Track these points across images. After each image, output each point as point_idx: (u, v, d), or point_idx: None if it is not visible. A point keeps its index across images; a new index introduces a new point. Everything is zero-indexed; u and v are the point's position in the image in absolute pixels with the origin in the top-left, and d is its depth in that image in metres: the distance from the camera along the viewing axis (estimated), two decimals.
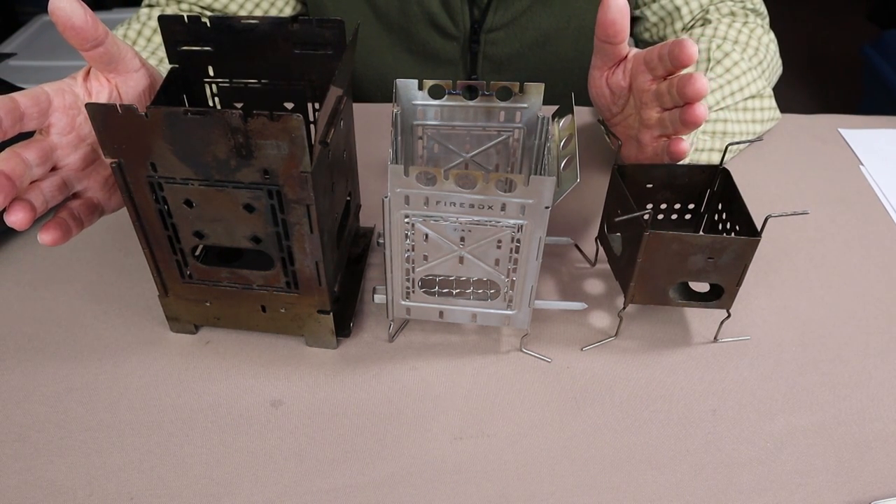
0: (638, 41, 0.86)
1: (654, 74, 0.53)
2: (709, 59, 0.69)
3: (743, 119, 0.70)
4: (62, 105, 0.43)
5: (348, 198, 0.56)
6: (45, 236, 0.43)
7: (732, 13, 0.76)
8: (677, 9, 0.77)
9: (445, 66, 0.82)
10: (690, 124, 0.50)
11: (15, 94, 0.40)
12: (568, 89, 0.89)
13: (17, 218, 0.41)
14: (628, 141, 0.58)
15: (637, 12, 0.81)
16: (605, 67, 0.57)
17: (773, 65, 0.75)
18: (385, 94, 0.85)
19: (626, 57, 0.55)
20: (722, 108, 0.68)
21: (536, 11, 0.78)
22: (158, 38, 0.74)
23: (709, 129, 0.67)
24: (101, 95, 0.46)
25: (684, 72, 0.51)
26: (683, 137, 0.52)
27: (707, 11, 0.76)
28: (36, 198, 0.42)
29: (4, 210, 0.40)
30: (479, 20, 0.77)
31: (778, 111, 0.74)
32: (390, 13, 0.78)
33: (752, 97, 0.70)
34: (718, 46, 0.70)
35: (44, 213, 0.43)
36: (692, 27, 0.77)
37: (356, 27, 0.48)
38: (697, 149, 0.67)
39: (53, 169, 0.44)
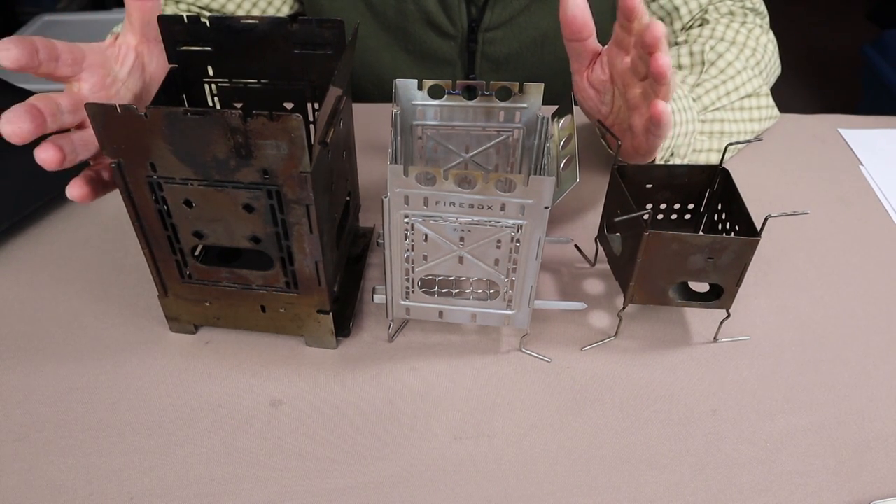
0: None
1: (625, 45, 0.52)
2: (703, 62, 0.69)
3: (740, 118, 0.70)
4: (94, 63, 0.44)
5: (348, 198, 0.56)
6: (73, 190, 0.44)
7: (731, 13, 0.76)
8: (676, 9, 0.77)
9: (443, 66, 0.82)
10: (657, 75, 0.48)
11: (53, 40, 0.41)
12: (566, 89, 0.88)
13: (46, 155, 0.41)
14: (624, 135, 0.58)
15: None
16: (583, 68, 0.57)
17: (770, 64, 0.75)
18: (382, 93, 0.85)
19: (599, 53, 0.56)
20: (718, 109, 0.68)
21: (534, 10, 0.78)
22: None
23: (706, 129, 0.67)
24: (128, 60, 0.47)
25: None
26: (660, 101, 0.50)
27: (706, 11, 0.76)
28: (65, 144, 0.42)
29: (36, 147, 0.41)
30: (476, 19, 0.77)
31: (776, 109, 0.74)
32: (387, 12, 0.78)
33: (749, 96, 0.70)
34: (712, 48, 0.70)
35: (71, 164, 0.43)
36: (690, 27, 0.77)
37: (356, 27, 0.48)
38: (695, 149, 0.67)
39: (82, 127, 0.45)
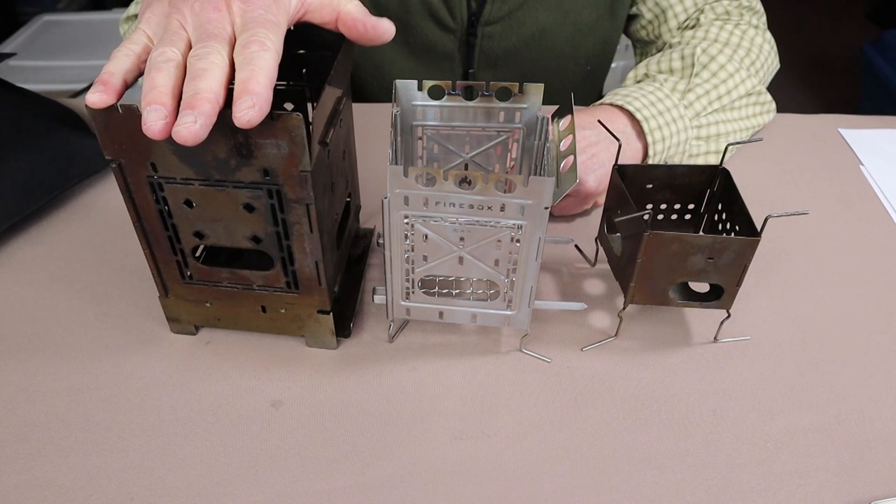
0: (634, 39, 0.86)
1: None
2: (693, 65, 0.69)
3: (736, 117, 0.70)
4: None
5: (348, 198, 0.56)
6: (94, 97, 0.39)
7: (727, 12, 0.76)
8: (671, 6, 0.77)
9: (442, 61, 0.82)
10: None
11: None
12: (564, 86, 0.88)
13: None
14: None
15: (633, 9, 0.82)
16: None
17: (767, 63, 0.75)
18: (380, 84, 0.84)
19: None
20: (711, 112, 0.68)
21: (533, 5, 0.78)
22: None
23: (702, 134, 0.67)
24: None
25: None
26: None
27: (702, 11, 0.76)
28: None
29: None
30: (476, 13, 0.78)
31: (773, 105, 0.74)
32: (389, 4, 0.78)
33: (742, 96, 0.70)
34: (704, 51, 0.70)
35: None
36: (686, 26, 0.77)
37: None
38: (691, 155, 0.67)
39: None
